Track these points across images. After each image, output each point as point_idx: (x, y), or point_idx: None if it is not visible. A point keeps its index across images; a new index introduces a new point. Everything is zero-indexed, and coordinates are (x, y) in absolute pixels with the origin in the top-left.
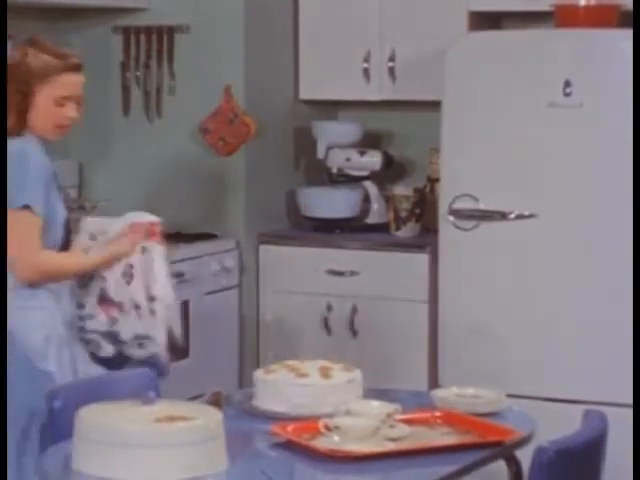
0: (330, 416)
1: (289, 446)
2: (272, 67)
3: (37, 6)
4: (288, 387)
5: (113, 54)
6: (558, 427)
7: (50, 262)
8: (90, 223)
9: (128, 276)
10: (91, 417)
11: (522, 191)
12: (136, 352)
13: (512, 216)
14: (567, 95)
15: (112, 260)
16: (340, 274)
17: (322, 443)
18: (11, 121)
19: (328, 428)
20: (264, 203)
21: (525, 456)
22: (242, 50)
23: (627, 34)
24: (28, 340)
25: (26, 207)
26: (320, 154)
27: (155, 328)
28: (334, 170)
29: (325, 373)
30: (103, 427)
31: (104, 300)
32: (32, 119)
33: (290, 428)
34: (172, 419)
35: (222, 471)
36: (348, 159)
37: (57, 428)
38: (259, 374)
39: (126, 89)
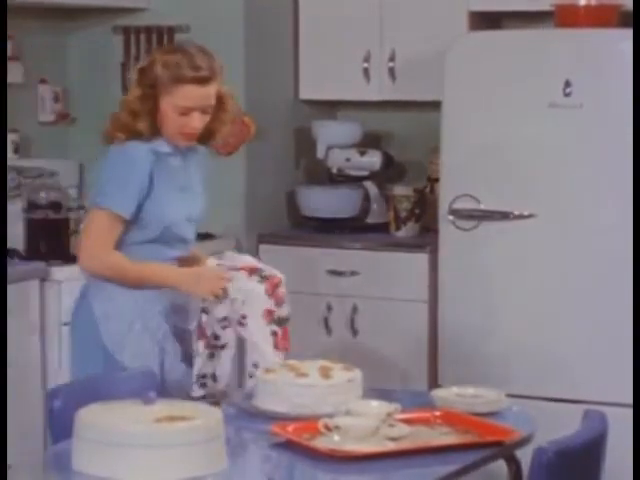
0: (330, 416)
1: (289, 446)
2: (272, 67)
3: (38, 6)
4: (288, 387)
5: (113, 54)
6: (558, 427)
7: (116, 265)
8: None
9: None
10: (91, 417)
11: (522, 191)
12: (196, 391)
13: (512, 216)
14: (567, 95)
15: (177, 289)
16: (340, 274)
17: (322, 443)
18: (142, 125)
19: (328, 428)
20: (264, 203)
21: (525, 456)
22: (242, 50)
23: (627, 34)
24: (107, 329)
25: (106, 207)
26: (320, 154)
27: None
28: (334, 170)
29: (325, 373)
30: (103, 427)
31: (200, 328)
32: (160, 123)
33: (290, 428)
34: (172, 419)
35: (222, 471)
36: (348, 159)
37: (57, 428)
38: (259, 373)
39: (126, 89)
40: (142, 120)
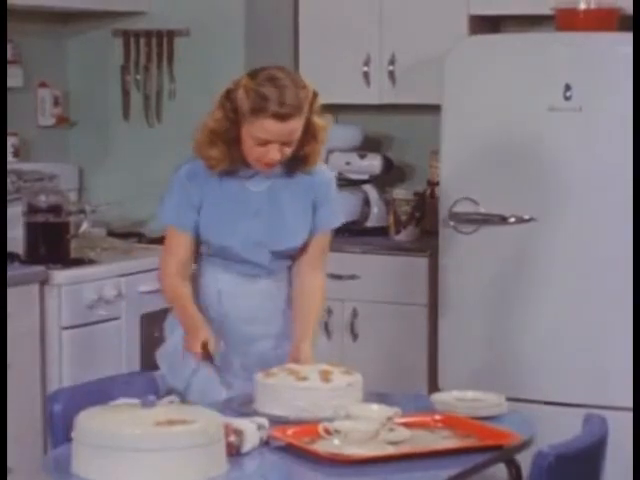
0: (330, 420)
1: (289, 450)
2: None
3: (38, 10)
4: (289, 390)
5: (113, 58)
6: (558, 431)
7: (166, 290)
8: None
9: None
10: (91, 421)
11: (522, 195)
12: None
13: (512, 220)
14: (567, 99)
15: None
16: (340, 278)
17: (322, 447)
18: (214, 152)
19: (328, 432)
20: None
21: (525, 460)
22: (242, 54)
23: (627, 38)
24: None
25: (169, 224)
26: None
27: None
28: (334, 174)
29: (325, 377)
30: (102, 431)
31: None
32: (242, 148)
33: (290, 432)
34: (172, 423)
35: (222, 475)
36: (348, 163)
37: (57, 432)
38: (259, 377)
39: (126, 93)
40: (216, 147)
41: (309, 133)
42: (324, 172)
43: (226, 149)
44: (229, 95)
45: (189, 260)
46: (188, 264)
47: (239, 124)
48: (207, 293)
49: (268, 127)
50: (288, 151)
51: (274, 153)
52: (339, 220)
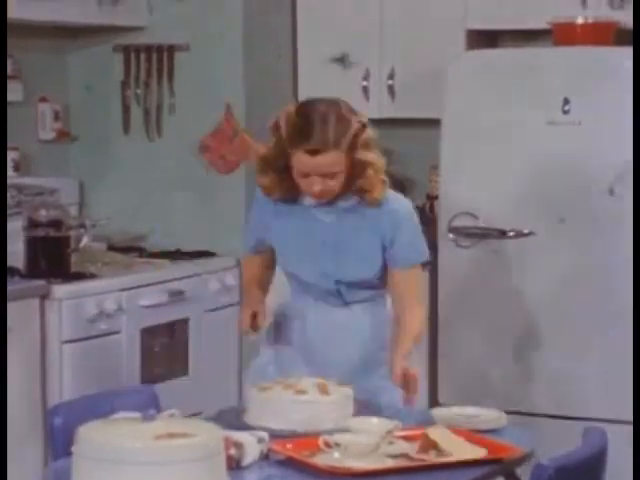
0: (330, 432)
1: (289, 463)
2: (271, 85)
3: (38, 25)
4: (289, 404)
5: (113, 73)
6: (558, 444)
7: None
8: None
9: None
10: (91, 434)
11: (521, 209)
12: None
13: (511, 234)
14: (566, 113)
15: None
16: None
17: (322, 460)
18: (264, 180)
19: (328, 445)
20: None
21: (525, 473)
22: (241, 68)
23: (625, 52)
24: None
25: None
26: None
27: None
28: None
29: (323, 389)
30: (103, 444)
31: None
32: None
33: (290, 445)
34: (172, 436)
35: None
36: None
37: (58, 445)
38: (255, 392)
39: (126, 107)
40: (267, 176)
41: (357, 167)
42: (395, 205)
43: (277, 178)
44: (277, 123)
45: (264, 276)
46: (264, 278)
47: (288, 153)
48: (289, 319)
49: (302, 160)
50: (332, 183)
51: (317, 185)
52: (420, 256)
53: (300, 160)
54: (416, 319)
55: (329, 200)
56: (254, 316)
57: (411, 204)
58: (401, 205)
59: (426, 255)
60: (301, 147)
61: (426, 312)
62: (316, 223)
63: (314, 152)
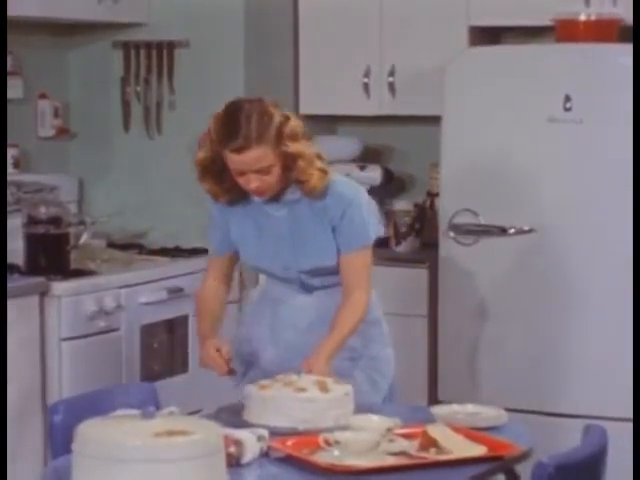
0: (330, 430)
1: (289, 461)
2: (272, 82)
3: (38, 21)
4: (290, 402)
5: (113, 69)
6: (558, 442)
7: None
8: None
9: None
10: (90, 432)
11: (522, 206)
12: None
13: (512, 231)
14: (567, 110)
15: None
16: None
17: (322, 457)
18: (206, 186)
19: (328, 443)
20: None
21: (525, 471)
22: (242, 65)
23: (627, 49)
24: None
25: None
26: None
27: None
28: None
29: (323, 387)
30: (103, 442)
31: None
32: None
33: (290, 443)
34: (171, 434)
35: None
36: (348, 174)
37: (57, 443)
38: (255, 390)
39: (126, 104)
40: (206, 182)
41: (287, 159)
42: (339, 189)
43: (217, 181)
44: (209, 132)
45: (223, 283)
46: (222, 288)
47: (222, 155)
48: (264, 299)
49: (232, 159)
50: (269, 178)
51: (253, 182)
52: (362, 240)
53: (230, 159)
54: (353, 308)
55: (276, 195)
56: (218, 350)
57: (361, 187)
58: (345, 188)
59: (368, 238)
60: (228, 146)
61: (369, 297)
62: (269, 219)
63: (240, 149)
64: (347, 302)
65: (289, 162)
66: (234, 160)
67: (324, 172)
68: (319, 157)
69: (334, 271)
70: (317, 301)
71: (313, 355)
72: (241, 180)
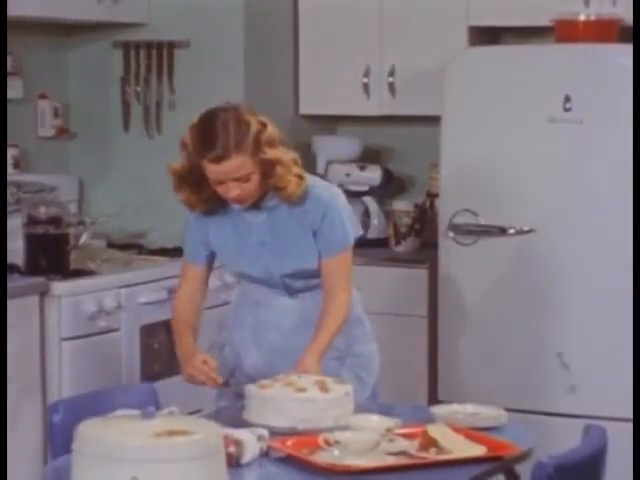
0: (330, 430)
1: (289, 460)
2: (272, 82)
3: (38, 21)
4: (289, 402)
5: (113, 69)
6: (558, 442)
7: (173, 315)
8: None
9: None
10: (90, 432)
11: (521, 206)
12: None
13: (511, 231)
14: (567, 110)
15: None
16: None
17: (322, 457)
18: (182, 196)
19: (328, 442)
20: None
21: (525, 471)
22: (242, 65)
23: (627, 49)
24: None
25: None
26: (320, 169)
27: None
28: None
29: (323, 387)
30: (102, 442)
31: None
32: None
33: (290, 443)
34: (171, 434)
35: None
36: (348, 174)
37: (57, 443)
38: (254, 389)
39: (126, 104)
40: (183, 192)
41: (265, 166)
42: (317, 192)
43: (194, 191)
44: (185, 143)
45: (199, 289)
46: (198, 293)
47: (199, 164)
48: (245, 302)
49: (210, 169)
50: (248, 186)
51: (233, 190)
52: (342, 242)
53: (208, 169)
54: (338, 309)
55: (255, 202)
56: (206, 362)
57: (337, 189)
58: (324, 191)
59: (348, 241)
60: (206, 157)
61: (351, 297)
62: (249, 226)
63: (218, 159)
64: (331, 303)
65: (267, 169)
66: (213, 170)
67: (301, 178)
68: (296, 162)
69: (316, 274)
70: (301, 303)
71: (306, 356)
72: (220, 189)
